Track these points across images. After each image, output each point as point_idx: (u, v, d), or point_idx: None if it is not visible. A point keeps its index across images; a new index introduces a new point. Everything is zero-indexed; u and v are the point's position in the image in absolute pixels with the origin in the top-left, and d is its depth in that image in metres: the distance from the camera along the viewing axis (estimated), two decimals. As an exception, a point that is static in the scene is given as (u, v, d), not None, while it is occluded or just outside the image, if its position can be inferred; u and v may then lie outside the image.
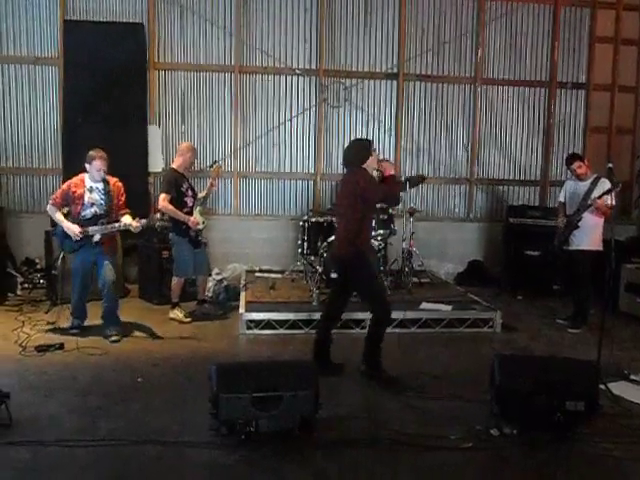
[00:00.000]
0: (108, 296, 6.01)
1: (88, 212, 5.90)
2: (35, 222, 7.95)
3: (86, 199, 5.90)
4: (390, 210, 7.42)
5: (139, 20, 8.35)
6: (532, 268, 8.28)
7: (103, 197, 5.93)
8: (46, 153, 8.52)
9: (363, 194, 4.90)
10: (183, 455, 3.73)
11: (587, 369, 4.28)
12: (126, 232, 6.19)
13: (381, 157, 5.22)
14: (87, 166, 5.92)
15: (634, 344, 6.26)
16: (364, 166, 5.00)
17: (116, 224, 5.90)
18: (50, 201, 5.97)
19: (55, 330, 6.15)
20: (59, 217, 5.90)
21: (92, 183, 5.94)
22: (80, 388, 4.72)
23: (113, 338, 5.89)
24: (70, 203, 5.92)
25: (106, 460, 3.66)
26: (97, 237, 5.90)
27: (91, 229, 5.85)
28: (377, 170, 5.24)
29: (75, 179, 6.00)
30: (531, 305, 7.86)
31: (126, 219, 5.92)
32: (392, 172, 5.10)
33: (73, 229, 5.81)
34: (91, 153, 5.90)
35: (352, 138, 8.75)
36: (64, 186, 6.02)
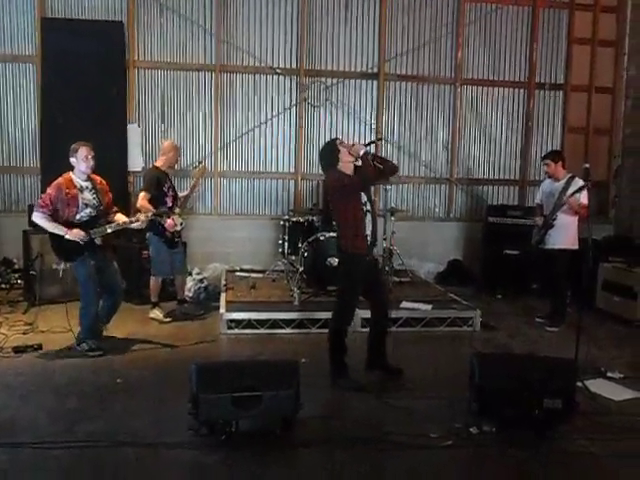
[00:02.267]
0: (117, 306, 5.83)
1: (84, 214, 5.43)
2: (13, 222, 7.85)
3: (80, 200, 5.42)
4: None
5: (118, 18, 8.26)
6: (511, 267, 8.33)
7: (95, 196, 5.50)
8: (24, 152, 8.40)
9: (341, 193, 4.94)
10: (163, 456, 3.72)
11: (565, 367, 4.33)
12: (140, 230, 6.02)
13: (350, 143, 5.07)
14: (72, 160, 5.42)
15: (611, 342, 6.34)
16: (340, 165, 4.93)
17: (113, 224, 5.55)
18: (39, 210, 5.31)
19: (72, 353, 5.54)
20: (54, 225, 5.32)
21: (82, 182, 5.46)
22: (58, 389, 4.67)
23: (96, 353, 5.50)
24: (62, 206, 5.36)
25: (84, 462, 3.64)
26: (99, 240, 5.49)
27: (93, 232, 5.41)
28: (355, 158, 5.05)
29: (62, 180, 5.42)
30: (510, 304, 7.92)
31: (121, 217, 5.64)
32: (360, 152, 4.88)
33: (77, 233, 5.30)
34: (72, 147, 5.43)
35: (332, 137, 8.88)
36: (52, 190, 5.35)
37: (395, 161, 9.00)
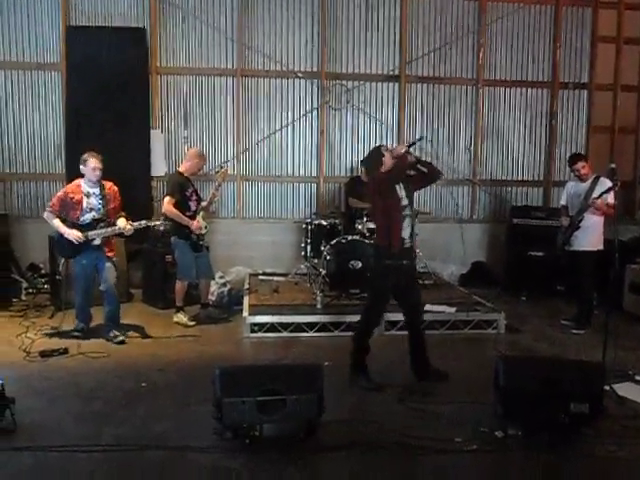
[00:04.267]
0: (110, 299, 6.08)
1: (87, 217, 5.94)
2: (39, 227, 7.91)
3: (84, 205, 5.95)
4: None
5: (141, 25, 8.37)
6: (536, 269, 8.25)
7: (100, 202, 5.99)
8: (49, 159, 8.54)
9: (378, 190, 5.01)
10: (187, 460, 3.73)
11: (592, 370, 4.27)
12: (130, 236, 6.23)
13: (391, 147, 5.23)
14: (82, 168, 5.96)
15: (639, 344, 6.23)
16: (383, 169, 4.96)
17: (114, 227, 5.95)
18: (47, 208, 5.99)
19: (59, 334, 6.14)
20: (57, 224, 5.91)
21: (89, 188, 5.98)
22: (84, 393, 4.73)
23: (119, 339, 5.95)
24: (68, 209, 5.94)
25: (110, 466, 3.67)
26: (97, 241, 5.96)
27: (91, 234, 5.90)
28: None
29: (71, 185, 6.06)
30: (535, 306, 7.84)
31: (120, 222, 5.97)
32: (402, 151, 4.99)
33: (73, 233, 5.84)
34: (83, 157, 5.97)
35: (354, 140, 8.90)
36: (60, 193, 6.03)
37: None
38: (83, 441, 3.88)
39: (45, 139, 8.50)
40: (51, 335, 6.17)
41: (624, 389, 4.84)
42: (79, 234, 5.85)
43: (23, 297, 7.69)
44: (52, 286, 7.49)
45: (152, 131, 8.44)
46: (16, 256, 8.03)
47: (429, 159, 5.98)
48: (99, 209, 5.98)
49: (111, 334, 6.00)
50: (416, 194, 8.37)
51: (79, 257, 5.99)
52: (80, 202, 5.94)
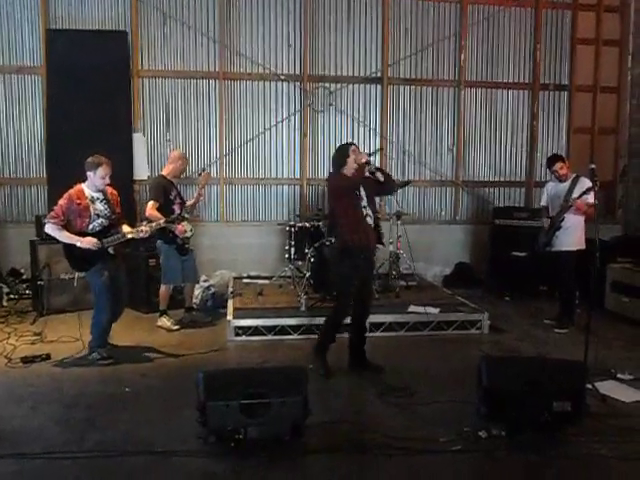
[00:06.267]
0: (118, 316, 5.82)
1: (96, 224, 5.45)
2: (20, 232, 7.91)
3: (92, 211, 5.44)
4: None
5: (122, 28, 8.32)
6: (519, 269, 8.32)
7: (106, 206, 5.53)
8: (30, 163, 8.45)
9: (339, 192, 5.22)
10: (172, 465, 3.71)
11: (574, 369, 4.30)
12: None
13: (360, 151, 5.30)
14: (90, 174, 5.44)
15: (620, 343, 6.30)
16: (344, 169, 5.17)
17: (126, 235, 5.55)
18: (50, 221, 5.34)
19: (80, 362, 5.56)
20: (66, 235, 5.34)
21: (93, 193, 5.49)
22: (67, 399, 4.68)
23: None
24: (74, 217, 5.40)
25: (94, 471, 3.64)
26: (111, 250, 5.50)
27: (105, 241, 5.42)
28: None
29: (73, 191, 5.44)
30: (518, 306, 7.90)
31: (125, 228, 5.64)
32: (362, 160, 5.08)
33: (89, 240, 5.32)
34: (93, 160, 5.44)
35: (337, 142, 8.90)
36: (63, 201, 5.38)
37: (400, 164, 9.13)
38: (67, 447, 3.85)
39: (26, 143, 8.41)
40: (33, 342, 6.06)
41: (606, 387, 4.89)
42: (95, 240, 5.34)
43: (4, 303, 7.61)
44: (34, 292, 7.43)
45: (134, 134, 8.40)
46: (-3, 261, 7.96)
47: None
48: (106, 215, 5.51)
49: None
50: (399, 196, 8.59)
51: (99, 268, 5.44)
52: (87, 208, 5.42)
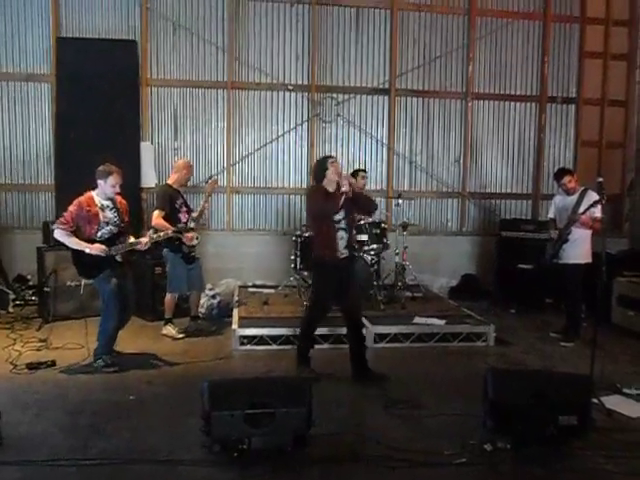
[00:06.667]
0: (125, 324, 5.87)
1: (105, 231, 5.50)
2: (27, 238, 7.94)
3: (101, 218, 5.50)
4: (382, 224, 7.46)
5: (132, 37, 8.38)
6: (525, 282, 8.28)
7: (116, 214, 5.59)
8: (38, 169, 8.50)
9: (316, 212, 5.40)
10: (176, 473, 3.70)
11: (580, 383, 4.28)
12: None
13: (344, 173, 5.46)
14: (100, 182, 5.51)
15: (626, 357, 6.27)
16: (325, 182, 5.32)
17: (134, 242, 5.62)
18: (60, 227, 5.37)
19: (86, 369, 5.56)
20: (75, 241, 5.38)
21: (103, 201, 5.55)
22: (71, 406, 4.69)
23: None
24: (83, 223, 5.44)
25: (98, 479, 3.63)
26: (119, 257, 5.55)
27: (113, 248, 5.47)
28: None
29: (83, 198, 5.50)
30: (524, 319, 7.86)
31: (130, 238, 5.66)
32: (344, 189, 5.15)
33: (97, 246, 5.36)
34: (104, 168, 5.52)
35: (344, 153, 8.93)
36: (73, 208, 5.42)
37: (407, 175, 9.13)
38: (71, 454, 3.85)
39: (34, 150, 8.46)
40: (38, 348, 6.07)
41: (612, 402, 4.86)
42: (103, 247, 5.38)
43: (10, 309, 7.62)
44: (40, 298, 7.45)
45: (142, 143, 8.44)
46: (3, 267, 7.97)
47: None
48: (115, 222, 5.56)
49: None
50: (405, 206, 8.58)
51: (107, 275, 5.48)
52: (97, 215, 5.47)
